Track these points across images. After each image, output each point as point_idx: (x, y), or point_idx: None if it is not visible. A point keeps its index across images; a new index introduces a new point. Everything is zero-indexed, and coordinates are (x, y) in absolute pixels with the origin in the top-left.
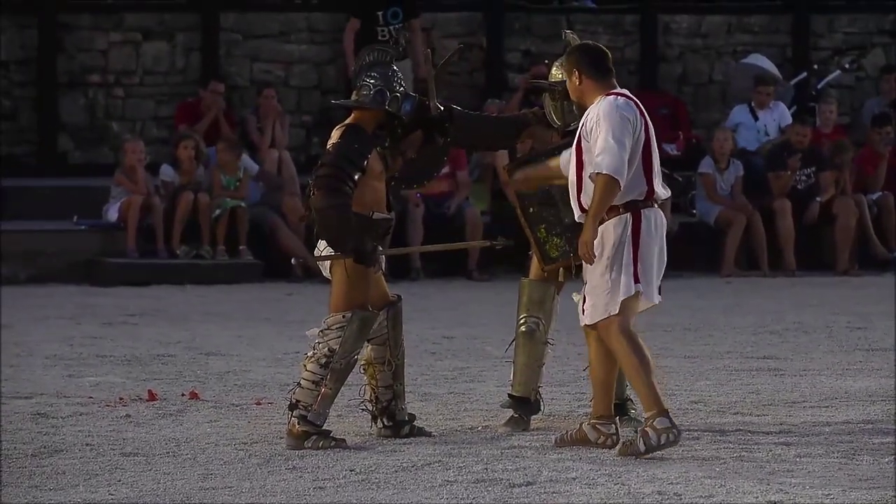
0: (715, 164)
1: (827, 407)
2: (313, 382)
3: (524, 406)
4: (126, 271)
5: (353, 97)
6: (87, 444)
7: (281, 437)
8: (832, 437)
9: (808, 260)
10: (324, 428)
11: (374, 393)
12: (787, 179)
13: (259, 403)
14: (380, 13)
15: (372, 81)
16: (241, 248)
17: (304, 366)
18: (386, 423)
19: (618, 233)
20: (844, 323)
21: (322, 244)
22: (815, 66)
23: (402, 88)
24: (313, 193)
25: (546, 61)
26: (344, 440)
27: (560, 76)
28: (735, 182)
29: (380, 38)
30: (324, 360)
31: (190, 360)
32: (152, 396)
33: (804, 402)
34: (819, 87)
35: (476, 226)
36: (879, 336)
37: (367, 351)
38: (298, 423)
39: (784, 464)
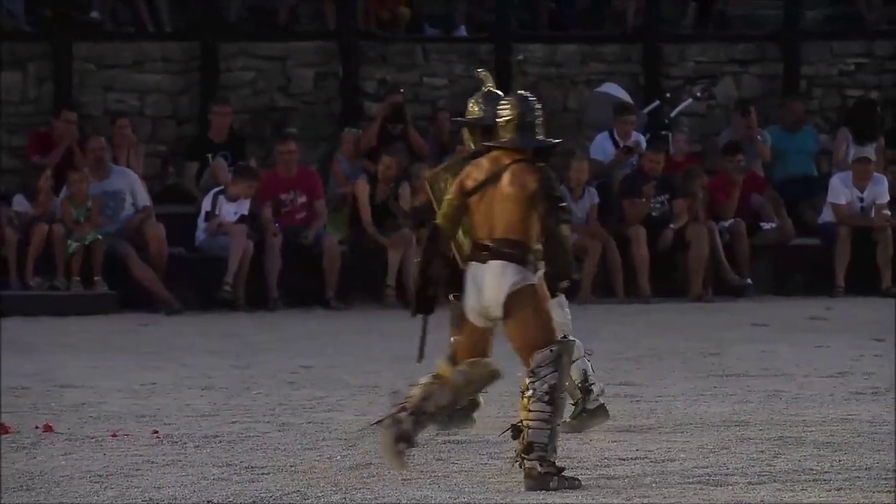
0: (569, 193)
1: (682, 433)
2: (544, 421)
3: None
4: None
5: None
6: None
7: (137, 469)
8: (687, 462)
9: (662, 286)
10: None
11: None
12: (641, 207)
13: (115, 435)
14: (209, 155)
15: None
16: (96, 278)
17: (527, 408)
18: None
19: None
20: (698, 349)
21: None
22: (668, 95)
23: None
24: (558, 224)
25: (402, 90)
26: (578, 480)
27: (478, 112)
28: (590, 209)
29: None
30: (547, 398)
31: (44, 393)
32: (5, 430)
33: (659, 427)
34: (672, 115)
35: (333, 255)
36: (732, 361)
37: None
38: (540, 466)
39: (640, 489)
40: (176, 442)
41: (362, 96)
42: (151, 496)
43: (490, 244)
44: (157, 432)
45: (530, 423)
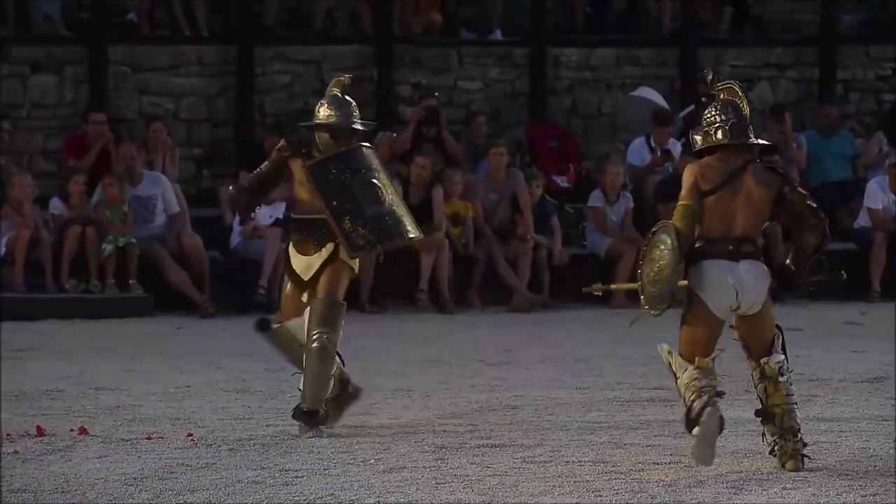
0: (605, 197)
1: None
2: (795, 405)
3: (312, 418)
4: (14, 306)
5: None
6: None
7: (171, 472)
8: (722, 466)
9: None
10: None
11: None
12: None
13: (149, 438)
14: None
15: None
16: (130, 282)
17: (785, 392)
18: None
19: None
20: (732, 353)
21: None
22: (703, 99)
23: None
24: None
25: (436, 93)
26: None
27: (334, 116)
28: (625, 214)
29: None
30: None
31: (79, 395)
32: (41, 432)
33: None
34: None
35: (367, 259)
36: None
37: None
38: (803, 447)
39: (675, 493)
40: (210, 445)
41: (397, 100)
42: (186, 499)
43: (736, 242)
44: (191, 435)
45: (791, 407)
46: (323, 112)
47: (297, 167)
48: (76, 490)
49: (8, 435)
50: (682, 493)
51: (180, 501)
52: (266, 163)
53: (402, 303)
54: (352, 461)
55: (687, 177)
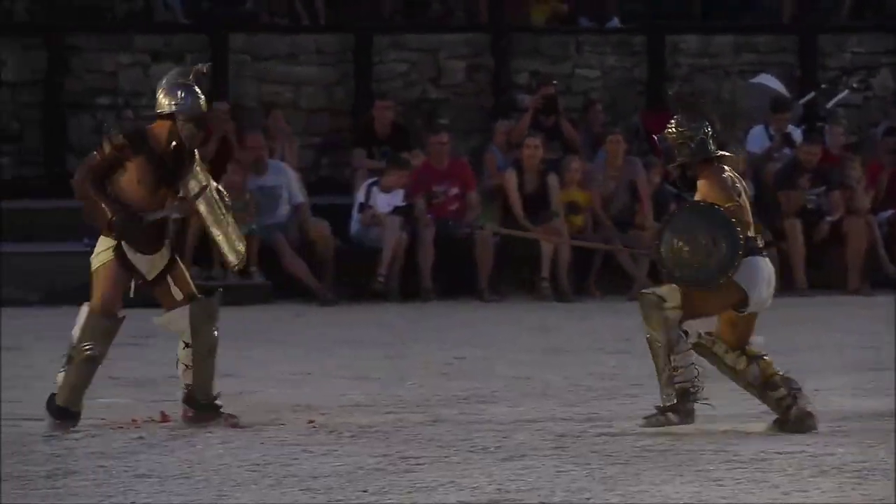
0: None
1: (839, 427)
2: None
3: (67, 416)
4: (137, 292)
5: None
6: (100, 466)
7: (294, 458)
8: (846, 456)
9: (818, 279)
10: None
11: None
12: (797, 199)
13: (271, 424)
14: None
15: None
16: (251, 269)
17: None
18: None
19: None
20: (855, 343)
21: None
22: (824, 86)
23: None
24: None
25: (554, 82)
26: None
27: (174, 101)
28: None
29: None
30: None
31: None
32: (165, 418)
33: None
34: (828, 106)
35: (486, 246)
36: (890, 355)
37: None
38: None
39: (798, 482)
40: (331, 432)
41: (514, 88)
42: (308, 485)
43: (758, 241)
44: (312, 422)
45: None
46: (191, 101)
47: (137, 165)
48: (200, 475)
49: (133, 420)
50: (806, 483)
51: (303, 487)
52: (100, 157)
53: (520, 290)
54: (472, 449)
55: (719, 184)
